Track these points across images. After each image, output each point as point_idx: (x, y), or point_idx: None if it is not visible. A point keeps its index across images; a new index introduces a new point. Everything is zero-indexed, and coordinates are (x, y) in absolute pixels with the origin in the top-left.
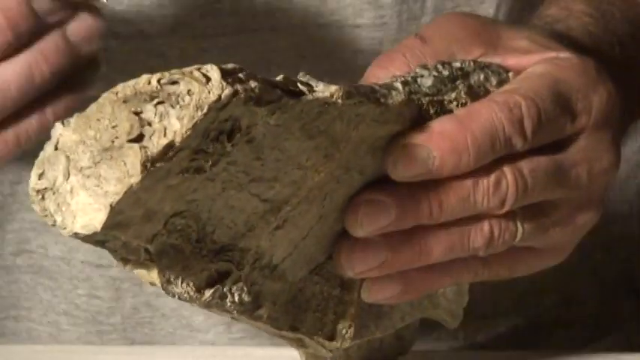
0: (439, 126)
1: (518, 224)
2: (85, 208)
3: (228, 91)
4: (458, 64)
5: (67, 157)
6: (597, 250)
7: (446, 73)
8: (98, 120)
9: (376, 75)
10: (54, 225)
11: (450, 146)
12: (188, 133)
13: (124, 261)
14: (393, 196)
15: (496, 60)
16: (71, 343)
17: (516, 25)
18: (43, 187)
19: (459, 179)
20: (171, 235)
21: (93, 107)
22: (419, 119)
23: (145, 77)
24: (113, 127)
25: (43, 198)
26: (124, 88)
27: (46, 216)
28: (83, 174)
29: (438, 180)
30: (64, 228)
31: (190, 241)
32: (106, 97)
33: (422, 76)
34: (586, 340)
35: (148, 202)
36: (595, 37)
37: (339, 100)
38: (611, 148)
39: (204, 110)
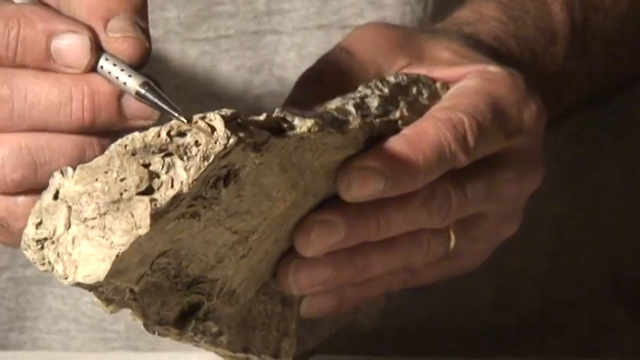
0: (391, 147)
1: (452, 236)
2: (88, 258)
3: (233, 140)
4: (393, 80)
5: (69, 208)
6: (582, 252)
7: (386, 90)
8: (106, 172)
9: (308, 89)
10: (51, 272)
11: (403, 168)
12: (195, 183)
13: (108, 301)
14: (343, 216)
15: (422, 71)
16: (77, 350)
17: (433, 33)
18: (43, 236)
19: (406, 197)
20: (154, 274)
21: (100, 160)
22: (370, 140)
23: (153, 130)
24: (122, 180)
25: (42, 247)
26: (133, 141)
27: (44, 264)
28: (86, 225)
29: (386, 198)
30: (65, 277)
31: (169, 277)
32: (114, 149)
33: (366, 95)
34: (576, 345)
35: (146, 248)
36: (503, 42)
37: (313, 135)
38: (539, 163)
39: (210, 160)
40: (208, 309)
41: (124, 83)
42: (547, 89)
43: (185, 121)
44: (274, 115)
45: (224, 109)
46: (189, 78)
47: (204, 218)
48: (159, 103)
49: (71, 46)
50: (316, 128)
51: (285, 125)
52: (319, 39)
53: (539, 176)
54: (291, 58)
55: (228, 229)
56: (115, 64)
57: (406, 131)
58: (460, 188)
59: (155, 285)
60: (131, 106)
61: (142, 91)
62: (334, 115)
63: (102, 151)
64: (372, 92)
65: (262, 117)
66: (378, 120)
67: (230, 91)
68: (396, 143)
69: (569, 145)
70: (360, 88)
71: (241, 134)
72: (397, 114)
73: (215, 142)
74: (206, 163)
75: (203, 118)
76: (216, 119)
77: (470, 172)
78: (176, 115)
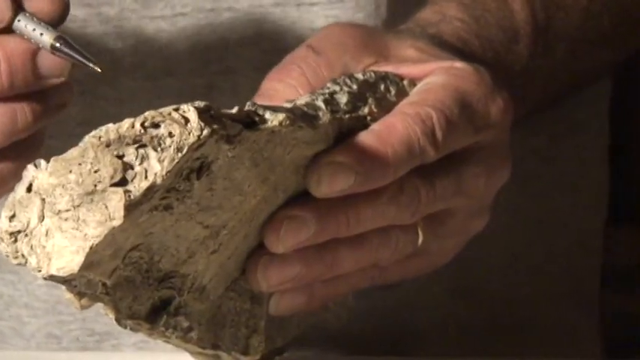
0: (361, 143)
1: (420, 233)
2: (61, 250)
3: (206, 131)
4: (361, 77)
5: (43, 200)
6: (538, 251)
7: (355, 87)
8: (80, 164)
9: (274, 87)
10: (24, 265)
11: (372, 163)
12: (168, 174)
13: (80, 295)
14: (313, 212)
15: (389, 69)
16: (32, 336)
17: (397, 33)
18: (17, 229)
19: (375, 193)
20: (127, 267)
21: (74, 151)
22: (340, 136)
23: (128, 121)
24: (96, 172)
25: (15, 240)
26: (107, 133)
27: (17, 257)
28: (60, 217)
29: (356, 193)
30: (39, 270)
31: (141, 272)
32: (89, 141)
33: (335, 92)
34: (538, 344)
35: (119, 240)
36: (466, 42)
37: (284, 129)
38: (507, 159)
39: (184, 151)
40: (179, 304)
41: (41, 34)
42: (510, 88)
43: (99, 70)
44: (246, 108)
45: (197, 102)
46: (145, 55)
47: (177, 211)
48: (74, 54)
49: None
50: (287, 122)
51: (257, 119)
52: (275, 16)
53: (507, 171)
54: (248, 36)
55: (200, 223)
56: (31, 20)
57: (375, 126)
58: (429, 183)
59: (127, 279)
60: (45, 63)
61: (58, 45)
62: (304, 111)
63: (34, 116)
64: (341, 89)
65: (234, 110)
66: (347, 116)
67: (186, 69)
68: (365, 138)
69: (525, 139)
70: (328, 85)
71: (215, 126)
72: (366, 110)
73: (189, 134)
74: (180, 155)
75: (177, 110)
76: (189, 111)
77: (438, 168)
78: (91, 65)
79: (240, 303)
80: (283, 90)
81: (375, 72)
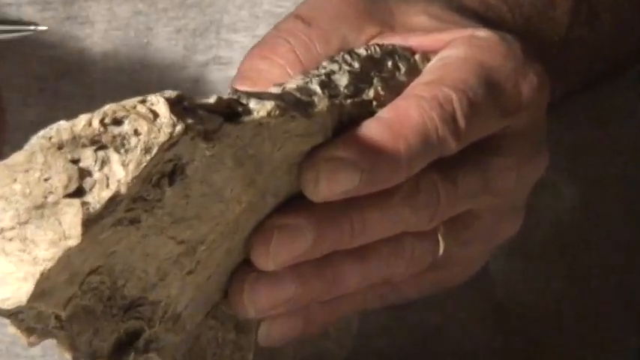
0: (366, 133)
1: (440, 240)
2: (6, 277)
3: (179, 127)
4: (364, 52)
5: None
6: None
7: (357, 65)
8: (27, 171)
9: (257, 67)
10: None
11: (381, 158)
12: (135, 181)
13: (28, 331)
14: (309, 219)
15: (396, 41)
16: None
17: None
18: None
19: (385, 194)
20: (85, 295)
21: (19, 156)
22: (340, 127)
23: (84, 118)
24: (46, 180)
25: None
26: (59, 132)
27: None
28: (3, 236)
29: (361, 196)
30: None
31: (102, 300)
32: (37, 143)
33: (333, 72)
34: None
35: (76, 263)
36: (491, 6)
37: (273, 120)
38: (541, 149)
39: (153, 153)
40: (150, 337)
41: None
42: (545, 63)
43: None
44: (227, 97)
45: (167, 91)
46: (118, 44)
47: (145, 225)
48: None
49: None
50: (277, 112)
51: (241, 109)
52: None
53: (543, 163)
54: (243, 18)
55: (173, 238)
56: None
57: (383, 113)
58: (449, 180)
59: (86, 309)
60: None
61: None
62: (296, 97)
63: None
64: (340, 68)
65: (212, 99)
66: (348, 101)
67: (168, 59)
68: (371, 128)
69: (569, 128)
70: (324, 64)
71: (189, 120)
72: (371, 93)
73: (158, 131)
74: (148, 157)
75: (143, 102)
76: (159, 103)
77: (460, 161)
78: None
79: (222, 332)
80: (269, 70)
81: (380, 46)
